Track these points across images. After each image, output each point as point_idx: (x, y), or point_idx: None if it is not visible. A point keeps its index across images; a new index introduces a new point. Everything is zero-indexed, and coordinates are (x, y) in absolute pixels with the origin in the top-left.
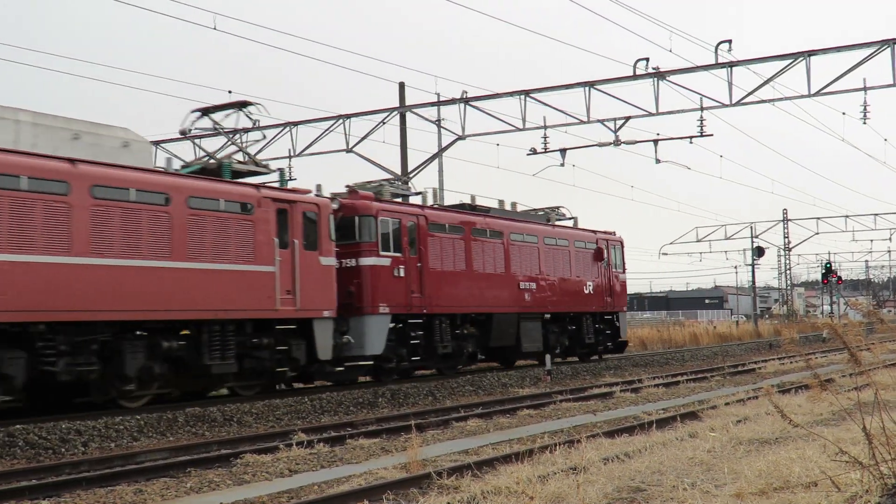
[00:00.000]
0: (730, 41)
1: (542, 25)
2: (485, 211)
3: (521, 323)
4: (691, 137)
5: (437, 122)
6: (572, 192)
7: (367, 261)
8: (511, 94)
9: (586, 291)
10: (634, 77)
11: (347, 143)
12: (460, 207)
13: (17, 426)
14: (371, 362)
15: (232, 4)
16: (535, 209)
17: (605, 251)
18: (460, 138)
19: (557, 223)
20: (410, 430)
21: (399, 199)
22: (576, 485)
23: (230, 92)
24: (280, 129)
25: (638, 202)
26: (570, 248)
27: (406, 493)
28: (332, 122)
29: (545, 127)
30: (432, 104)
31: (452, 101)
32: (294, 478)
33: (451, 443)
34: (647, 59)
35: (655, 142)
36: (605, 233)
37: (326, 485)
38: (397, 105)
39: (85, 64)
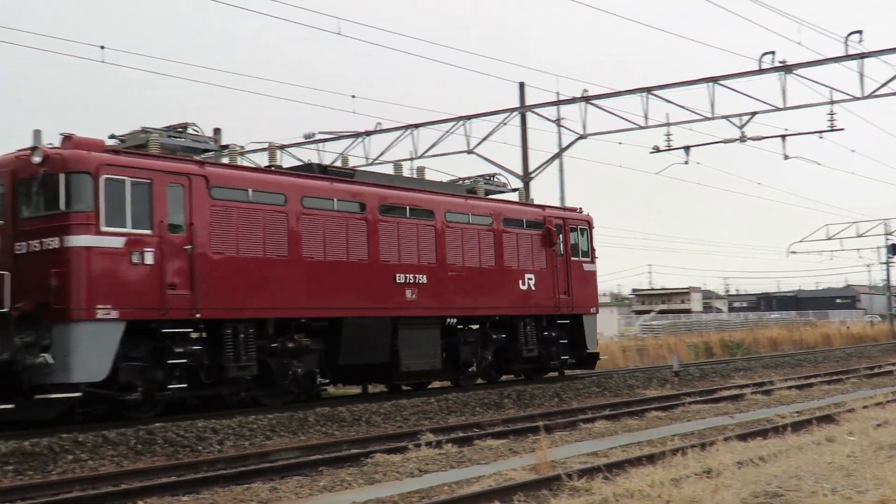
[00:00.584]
0: (860, 31)
1: (664, 21)
2: (343, 175)
3: (401, 331)
4: (821, 132)
5: (557, 122)
6: (697, 190)
7: (77, 240)
8: (633, 91)
9: (524, 287)
10: (760, 71)
11: (468, 145)
12: (304, 169)
13: (157, 424)
14: (79, 393)
15: (355, 9)
16: (460, 179)
17: (562, 233)
18: (581, 137)
19: (492, 197)
20: (537, 431)
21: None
22: (710, 489)
23: (353, 97)
24: (402, 131)
25: (765, 199)
26: (497, 227)
27: (537, 494)
28: (452, 123)
29: (668, 124)
30: (552, 104)
31: (573, 101)
32: (424, 478)
33: (579, 444)
34: (774, 53)
35: (783, 137)
36: (560, 209)
37: (457, 485)
38: (517, 105)
39: (209, 71)
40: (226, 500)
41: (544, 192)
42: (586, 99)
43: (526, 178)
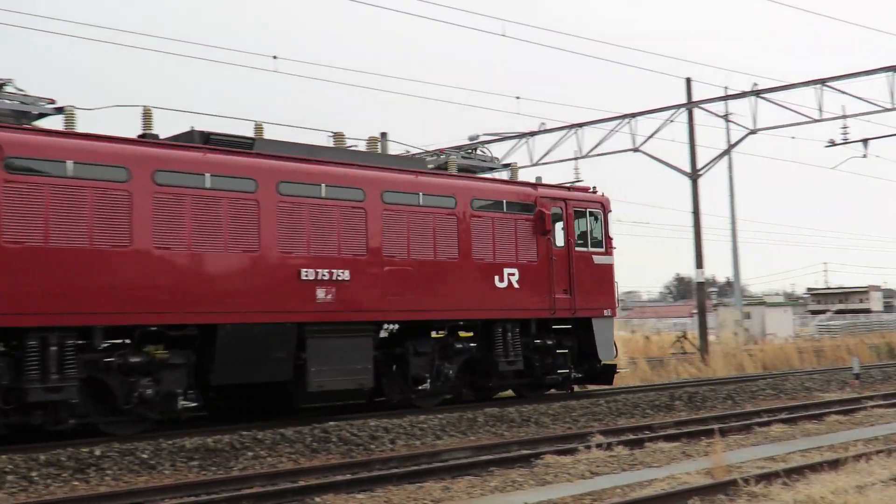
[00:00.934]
0: None
1: (837, 9)
2: (233, 144)
3: (310, 341)
4: None
5: (726, 117)
6: (876, 184)
7: None
8: (806, 83)
9: (502, 284)
10: None
11: (634, 143)
12: (183, 138)
13: (331, 423)
14: None
15: (519, 10)
16: (431, 153)
17: (562, 218)
18: (751, 132)
19: (462, 174)
20: (711, 435)
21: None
22: None
23: (518, 98)
24: (566, 131)
25: None
26: (463, 211)
27: (712, 499)
28: (617, 121)
29: (844, 116)
30: (720, 99)
31: (742, 95)
32: (595, 480)
33: (755, 448)
34: None
35: None
36: (560, 188)
37: (629, 488)
38: (684, 101)
39: (374, 76)
40: (399, 499)
41: (713, 189)
42: (756, 93)
43: (694, 175)
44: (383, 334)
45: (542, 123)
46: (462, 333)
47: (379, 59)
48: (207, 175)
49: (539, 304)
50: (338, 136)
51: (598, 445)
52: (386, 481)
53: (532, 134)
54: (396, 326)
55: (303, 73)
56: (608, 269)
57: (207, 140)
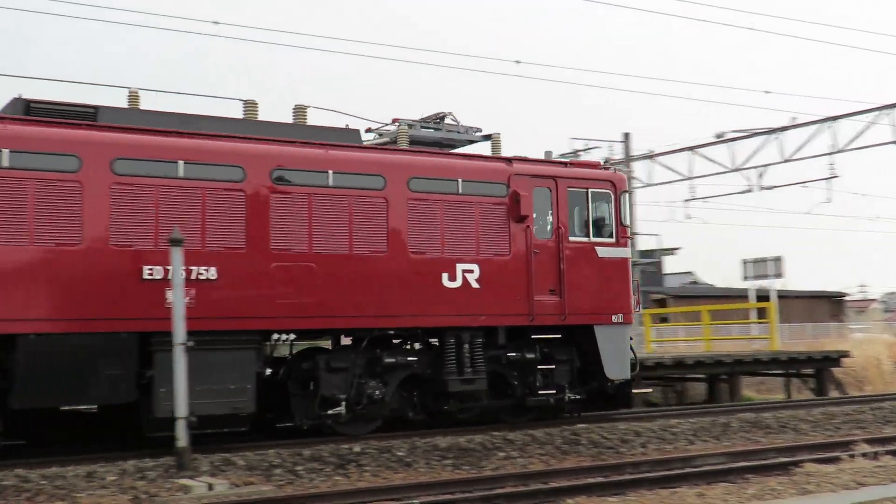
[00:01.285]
0: None
1: None
2: (58, 114)
3: (159, 356)
4: None
5: None
6: None
7: None
8: None
9: (454, 284)
10: None
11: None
12: (7, 110)
13: (580, 425)
14: None
15: (766, 3)
16: (383, 125)
17: (550, 201)
18: None
19: (416, 148)
20: None
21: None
22: None
23: (767, 92)
24: (818, 125)
25: None
26: (397, 192)
27: None
28: (875, 113)
29: None
30: None
31: None
32: (861, 491)
33: None
34: None
35: None
36: (549, 164)
37: None
38: None
39: (619, 77)
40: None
41: None
42: None
43: None
44: (294, 347)
45: (793, 118)
46: (432, 342)
47: (621, 58)
48: (5, 152)
49: (511, 308)
50: (249, 105)
51: (864, 454)
52: (638, 485)
53: (782, 129)
54: (293, 336)
55: (545, 77)
56: (620, 265)
57: (27, 109)
